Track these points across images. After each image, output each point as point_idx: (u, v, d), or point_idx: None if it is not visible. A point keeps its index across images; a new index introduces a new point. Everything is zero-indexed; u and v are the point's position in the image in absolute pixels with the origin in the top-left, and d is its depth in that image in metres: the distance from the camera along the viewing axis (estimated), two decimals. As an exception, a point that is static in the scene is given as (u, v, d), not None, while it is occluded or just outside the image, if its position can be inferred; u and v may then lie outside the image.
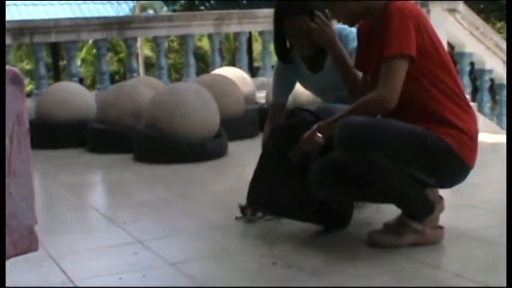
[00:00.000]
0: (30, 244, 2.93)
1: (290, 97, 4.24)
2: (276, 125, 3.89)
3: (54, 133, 7.29)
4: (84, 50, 22.78)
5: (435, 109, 3.23)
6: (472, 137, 3.28)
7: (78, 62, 13.95)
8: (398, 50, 3.13)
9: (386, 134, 3.13)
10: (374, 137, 3.11)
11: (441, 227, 3.46)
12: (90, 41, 19.47)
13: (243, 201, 3.99)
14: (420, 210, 3.35)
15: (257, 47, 21.43)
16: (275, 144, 3.68)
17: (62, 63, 20.54)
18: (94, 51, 19.86)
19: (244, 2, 23.60)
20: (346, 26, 3.68)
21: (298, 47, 3.85)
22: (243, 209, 3.99)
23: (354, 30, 3.71)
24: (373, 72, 3.36)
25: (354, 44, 3.68)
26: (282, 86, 4.12)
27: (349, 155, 3.17)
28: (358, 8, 3.30)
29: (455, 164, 3.25)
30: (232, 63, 13.06)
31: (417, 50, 3.15)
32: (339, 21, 3.44)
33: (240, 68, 10.02)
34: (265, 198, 3.71)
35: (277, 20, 3.81)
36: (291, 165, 3.47)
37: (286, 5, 3.79)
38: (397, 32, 3.13)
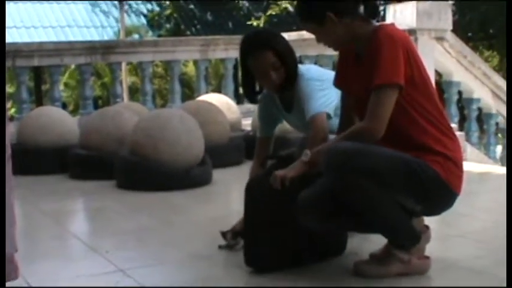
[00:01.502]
0: (9, 273, 2.87)
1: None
2: (255, 177, 3.84)
3: (35, 159, 7.19)
4: (67, 74, 22.70)
5: (421, 138, 3.23)
6: (458, 164, 3.28)
7: (61, 87, 13.88)
8: (388, 79, 3.12)
9: (374, 160, 3.12)
10: (362, 163, 3.09)
11: (427, 257, 3.44)
12: (73, 66, 19.43)
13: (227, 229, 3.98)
14: (407, 238, 3.33)
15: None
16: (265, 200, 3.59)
17: (45, 87, 20.45)
18: (77, 75, 19.78)
19: (231, 27, 23.72)
20: (308, 70, 3.80)
21: (264, 84, 3.87)
22: (224, 234, 3.96)
23: (312, 71, 3.84)
24: (356, 95, 3.37)
25: (308, 88, 3.77)
26: (266, 120, 4.13)
27: (336, 181, 3.14)
28: (346, 33, 3.29)
29: (442, 191, 3.23)
30: (219, 89, 13.04)
31: (405, 79, 3.13)
32: (325, 45, 3.42)
33: (226, 94, 10.00)
34: (276, 257, 3.56)
35: (243, 60, 3.83)
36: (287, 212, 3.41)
37: (248, 43, 3.82)
38: (387, 60, 3.12)
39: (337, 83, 3.55)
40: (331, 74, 3.80)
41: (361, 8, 3.33)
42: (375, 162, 3.11)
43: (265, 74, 3.75)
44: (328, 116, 3.76)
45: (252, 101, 4.03)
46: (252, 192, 3.56)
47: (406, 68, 3.13)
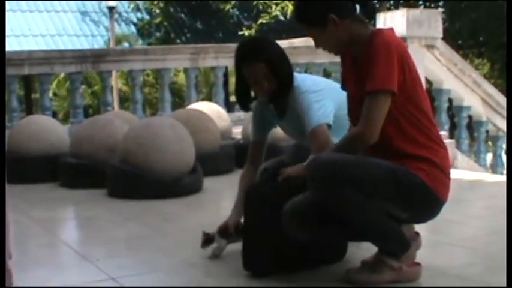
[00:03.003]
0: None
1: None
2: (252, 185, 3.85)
3: (26, 167, 7.18)
4: (55, 83, 22.61)
5: (409, 144, 3.22)
6: (445, 172, 3.28)
7: (50, 96, 13.82)
8: (382, 85, 3.12)
9: (358, 170, 3.13)
10: (345, 173, 3.10)
11: (418, 264, 3.44)
12: (62, 75, 19.38)
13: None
14: (397, 246, 3.33)
15: (233, 82, 21.39)
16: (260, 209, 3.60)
17: (35, 96, 20.37)
18: (66, 84, 19.74)
19: (221, 36, 23.73)
20: (304, 81, 3.80)
21: (257, 92, 3.88)
22: (206, 236, 4.00)
23: (304, 82, 3.82)
24: (353, 96, 3.38)
25: (306, 101, 3.75)
26: (260, 124, 4.13)
27: (321, 193, 3.15)
28: (347, 35, 3.29)
29: (428, 199, 3.23)
30: (209, 98, 13.06)
31: (397, 86, 3.13)
32: (324, 50, 3.41)
33: (217, 102, 10.00)
34: (273, 262, 3.57)
35: (238, 68, 3.84)
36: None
37: (243, 52, 3.83)
38: (383, 66, 3.12)
39: (344, 87, 3.56)
40: (326, 82, 3.80)
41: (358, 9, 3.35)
42: (359, 172, 3.12)
43: (258, 83, 3.75)
44: (329, 126, 3.76)
45: (245, 108, 4.02)
46: (250, 198, 3.58)
47: (399, 76, 3.14)
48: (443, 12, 18.86)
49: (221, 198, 6.27)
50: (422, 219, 3.42)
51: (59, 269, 4.02)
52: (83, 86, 20.57)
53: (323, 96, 3.75)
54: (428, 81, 9.15)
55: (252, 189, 3.66)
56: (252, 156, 4.12)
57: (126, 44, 24.03)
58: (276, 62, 3.75)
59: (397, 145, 3.22)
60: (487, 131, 9.75)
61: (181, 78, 20.31)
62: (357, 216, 3.17)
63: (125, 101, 22.64)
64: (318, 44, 3.39)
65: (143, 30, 25.24)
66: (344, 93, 3.52)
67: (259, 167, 4.06)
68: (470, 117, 9.60)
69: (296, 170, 3.39)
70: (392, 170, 3.15)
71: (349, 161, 3.16)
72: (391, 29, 3.35)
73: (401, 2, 20.87)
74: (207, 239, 3.99)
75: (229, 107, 11.94)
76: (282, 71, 3.76)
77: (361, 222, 3.21)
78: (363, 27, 3.31)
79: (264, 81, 3.74)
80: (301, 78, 3.87)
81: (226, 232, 3.93)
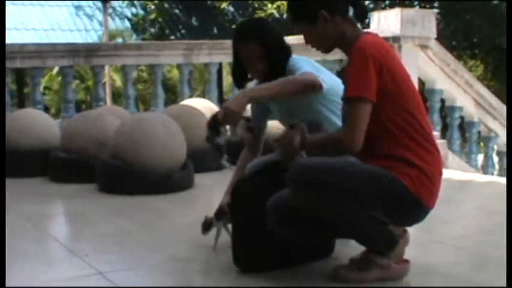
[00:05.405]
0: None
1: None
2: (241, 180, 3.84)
3: (16, 161, 7.11)
4: (47, 77, 22.54)
5: (395, 149, 3.20)
6: (432, 179, 3.23)
7: (42, 90, 13.78)
8: (356, 93, 3.15)
9: (339, 175, 3.12)
10: (325, 178, 3.09)
11: (407, 261, 3.45)
12: (56, 69, 19.34)
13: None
14: (383, 245, 3.32)
15: (227, 78, 21.38)
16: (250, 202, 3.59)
17: (27, 90, 20.33)
18: (59, 78, 19.72)
19: (215, 32, 23.72)
20: (300, 57, 3.79)
21: (251, 72, 3.89)
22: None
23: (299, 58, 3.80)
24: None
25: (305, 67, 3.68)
26: (258, 110, 4.12)
27: (302, 197, 3.15)
28: (336, 33, 3.30)
29: (410, 205, 3.21)
30: (204, 95, 13.04)
31: (378, 91, 3.14)
32: (313, 47, 3.41)
33: (210, 99, 9.98)
34: (264, 259, 3.57)
35: (234, 48, 3.86)
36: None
37: (240, 30, 3.87)
38: (355, 74, 3.15)
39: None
40: (324, 70, 3.80)
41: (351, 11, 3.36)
42: (340, 178, 3.11)
43: (252, 63, 3.78)
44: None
45: (240, 87, 4.03)
46: (237, 194, 3.57)
47: (378, 81, 3.13)
48: (438, 14, 18.89)
49: (212, 194, 6.24)
50: (407, 223, 3.42)
51: (46, 263, 4.00)
52: (76, 81, 20.53)
53: (319, 73, 3.73)
54: (421, 81, 9.14)
55: (240, 185, 3.66)
56: (250, 141, 4.12)
57: (120, 40, 24.00)
58: (271, 45, 3.76)
59: (386, 149, 3.20)
60: (479, 132, 9.76)
61: (175, 73, 20.28)
62: (337, 219, 3.17)
63: (118, 96, 22.61)
64: (308, 40, 3.40)
65: (137, 26, 25.21)
66: (335, 82, 3.60)
67: (258, 152, 4.09)
68: (462, 117, 9.60)
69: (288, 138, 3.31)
70: (375, 175, 3.14)
71: (330, 165, 3.16)
72: (374, 34, 3.34)
73: (397, 2, 20.88)
74: (206, 224, 4.01)
75: (221, 104, 11.87)
76: (276, 54, 3.77)
77: (342, 225, 3.22)
78: (351, 29, 3.32)
79: (257, 62, 3.75)
80: (296, 56, 3.86)
81: (222, 213, 3.94)
